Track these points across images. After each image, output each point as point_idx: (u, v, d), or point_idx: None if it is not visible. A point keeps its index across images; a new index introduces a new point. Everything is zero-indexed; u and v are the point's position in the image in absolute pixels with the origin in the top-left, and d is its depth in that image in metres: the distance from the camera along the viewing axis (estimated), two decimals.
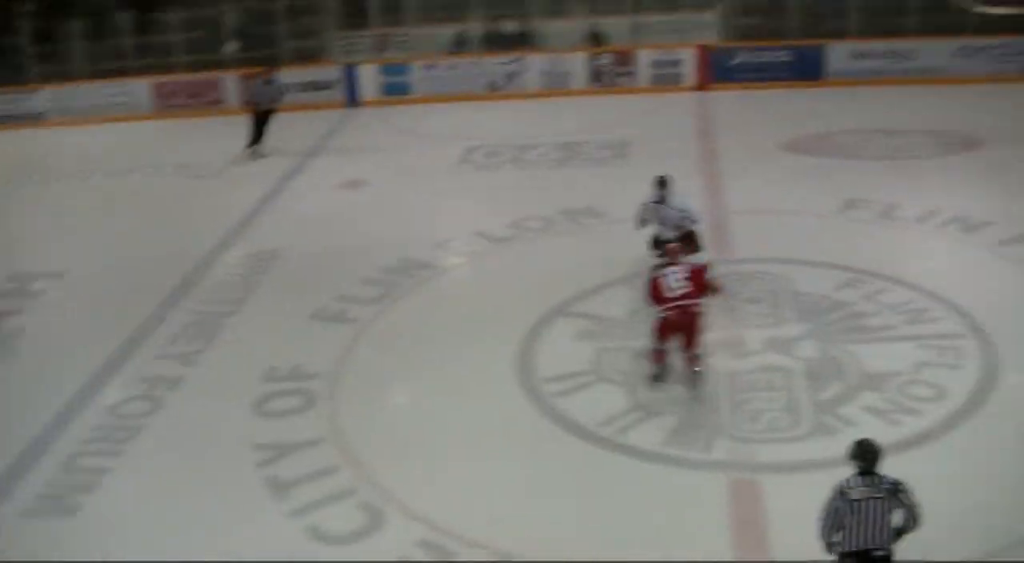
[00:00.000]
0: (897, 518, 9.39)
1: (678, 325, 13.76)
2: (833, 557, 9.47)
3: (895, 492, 9.32)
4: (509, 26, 30.79)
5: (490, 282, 18.17)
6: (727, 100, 27.96)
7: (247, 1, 32.76)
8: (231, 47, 30.59)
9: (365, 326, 16.47)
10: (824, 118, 25.51)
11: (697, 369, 13.89)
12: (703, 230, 16.95)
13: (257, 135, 25.29)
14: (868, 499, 9.26)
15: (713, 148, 23.70)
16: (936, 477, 11.87)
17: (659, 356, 14.08)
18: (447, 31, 31.43)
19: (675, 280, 13.77)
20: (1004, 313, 15.43)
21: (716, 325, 15.32)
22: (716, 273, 14.94)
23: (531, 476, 12.54)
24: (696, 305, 13.80)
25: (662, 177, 16.93)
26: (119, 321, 17.15)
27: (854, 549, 9.33)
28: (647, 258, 16.67)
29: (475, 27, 30.79)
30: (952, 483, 11.80)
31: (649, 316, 14.49)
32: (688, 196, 17.44)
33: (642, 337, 14.74)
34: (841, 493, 9.34)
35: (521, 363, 14.92)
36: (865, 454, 9.46)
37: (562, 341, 15.56)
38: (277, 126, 25.70)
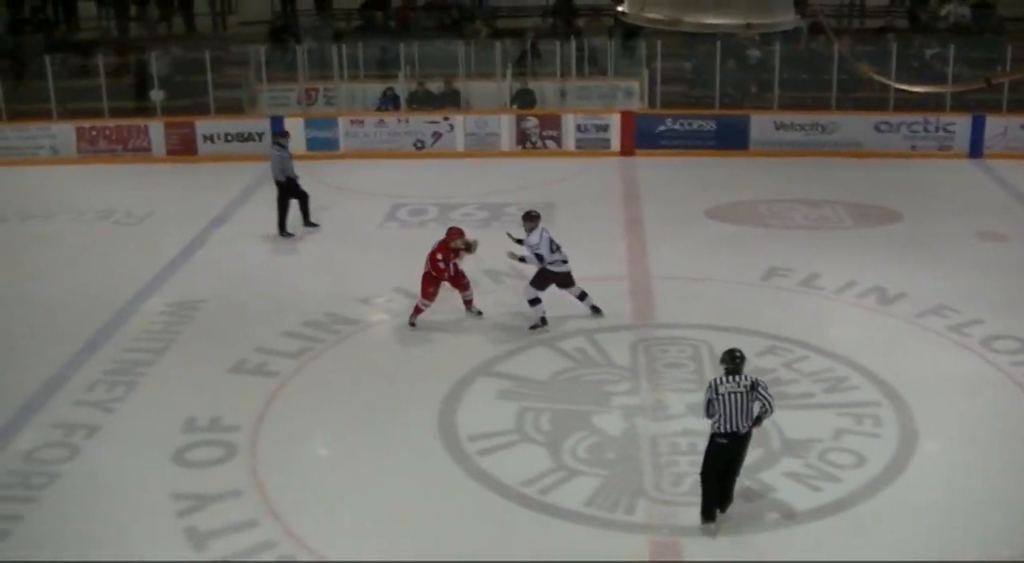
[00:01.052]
0: (756, 407, 12.16)
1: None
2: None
3: (753, 387, 12.18)
4: (436, 86, 30.89)
5: (413, 339, 18.12)
6: (652, 166, 28.17)
7: (174, 49, 32.71)
8: (158, 95, 30.44)
9: (286, 380, 16.38)
10: (747, 187, 25.81)
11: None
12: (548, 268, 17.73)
13: (283, 211, 23.32)
14: (731, 393, 12.14)
15: (638, 213, 23.90)
16: (857, 542, 12.07)
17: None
18: (375, 87, 31.47)
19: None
20: (920, 382, 15.71)
21: (639, 389, 15.49)
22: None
23: (453, 533, 12.53)
24: None
25: (527, 212, 18.23)
26: (36, 366, 16.94)
27: (724, 431, 12.18)
28: (569, 320, 17.50)
29: (402, 86, 30.85)
30: (872, 547, 11.98)
31: (569, 378, 14.67)
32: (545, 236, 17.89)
33: (563, 400, 14.90)
34: (713, 388, 12.24)
35: (443, 421, 14.92)
36: (732, 359, 12.39)
37: (484, 400, 15.59)
38: (206, 175, 25.50)
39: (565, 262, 17.92)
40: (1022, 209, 24.46)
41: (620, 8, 8.64)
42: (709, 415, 12.29)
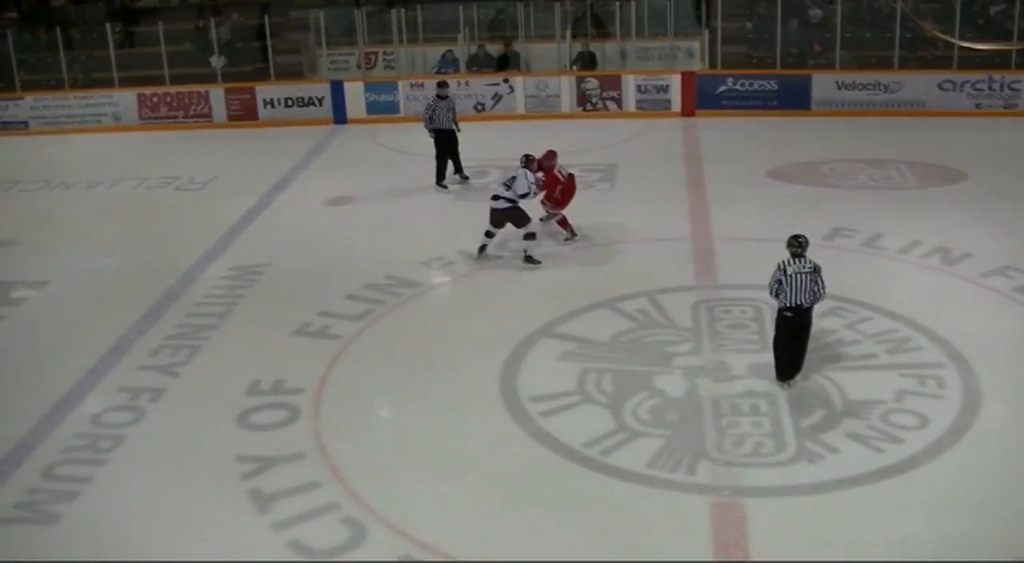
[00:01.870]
0: (817, 288, 14.14)
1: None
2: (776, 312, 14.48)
3: (816, 271, 14.18)
4: (496, 48, 30.85)
5: (475, 301, 18.21)
6: (713, 127, 28.10)
7: (235, 16, 32.83)
8: (218, 61, 30.57)
9: (349, 342, 16.45)
10: (810, 147, 25.65)
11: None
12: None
13: (443, 168, 24.21)
14: (797, 273, 14.09)
15: (699, 174, 23.79)
16: (920, 504, 12.00)
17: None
18: (434, 51, 31.49)
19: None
20: (984, 343, 15.54)
21: (701, 350, 15.47)
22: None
23: (515, 495, 12.55)
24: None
25: (525, 156, 19.79)
26: (101, 332, 17.10)
27: (790, 304, 14.15)
28: (631, 281, 17.52)
29: (462, 49, 30.83)
30: (935, 510, 11.92)
31: (631, 339, 14.70)
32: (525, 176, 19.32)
33: (625, 361, 14.91)
34: (781, 270, 14.17)
35: (505, 382, 14.93)
36: (798, 244, 14.27)
37: (547, 361, 15.57)
38: (266, 140, 25.72)
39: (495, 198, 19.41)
40: None
41: None
42: (775, 294, 14.26)
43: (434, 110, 24.02)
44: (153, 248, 20.88)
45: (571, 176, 20.31)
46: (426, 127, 24.12)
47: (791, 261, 14.17)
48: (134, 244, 21.18)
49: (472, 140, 24.48)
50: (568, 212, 20.10)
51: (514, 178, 19.31)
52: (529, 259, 19.16)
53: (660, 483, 12.58)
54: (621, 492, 12.49)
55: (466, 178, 24.32)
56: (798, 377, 14.53)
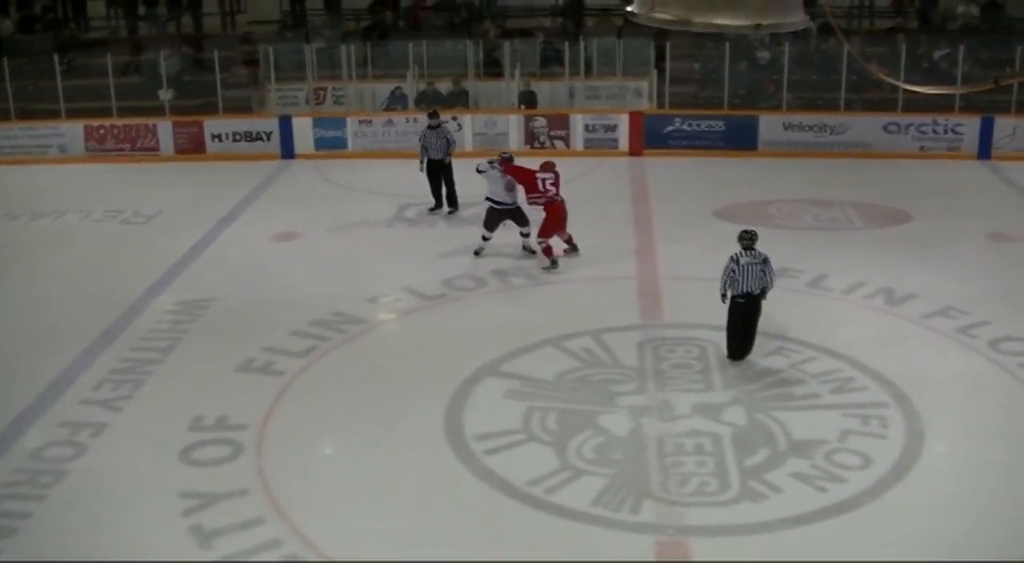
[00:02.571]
0: (766, 277, 16.03)
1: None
2: (726, 304, 16.22)
3: (765, 262, 16.05)
4: (445, 85, 30.91)
5: (420, 339, 18.15)
6: (661, 166, 28.23)
7: (183, 49, 32.76)
8: (166, 94, 30.47)
9: (293, 378, 16.37)
10: (756, 187, 25.82)
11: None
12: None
13: (436, 194, 24.67)
14: (749, 264, 15.94)
15: (646, 213, 23.89)
16: (863, 544, 12.05)
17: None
18: (383, 87, 31.52)
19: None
20: (927, 384, 15.67)
21: (646, 389, 15.51)
22: None
23: (459, 533, 12.52)
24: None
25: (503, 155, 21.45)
26: (44, 365, 16.92)
27: (742, 292, 16.00)
28: (577, 320, 17.80)
29: (411, 86, 30.86)
30: (878, 549, 11.99)
31: (576, 378, 14.78)
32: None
33: (570, 399, 14.99)
34: (735, 261, 15.98)
35: (450, 420, 14.90)
36: (749, 237, 16.08)
37: (491, 400, 15.54)
38: (214, 174, 25.68)
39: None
40: None
41: (629, 8, 8.63)
42: (727, 286, 16.07)
43: (426, 140, 24.27)
44: (98, 281, 20.70)
45: (561, 201, 20.65)
46: (421, 159, 24.34)
47: (743, 253, 15.99)
48: (79, 277, 21.00)
49: (420, 178, 24.48)
50: (520, 246, 20.27)
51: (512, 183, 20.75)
52: (528, 249, 21.12)
53: (604, 522, 12.57)
54: (565, 531, 12.47)
55: (456, 209, 24.47)
56: (742, 417, 14.61)
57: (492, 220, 21.15)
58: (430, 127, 24.47)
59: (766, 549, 12.07)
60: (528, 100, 30.68)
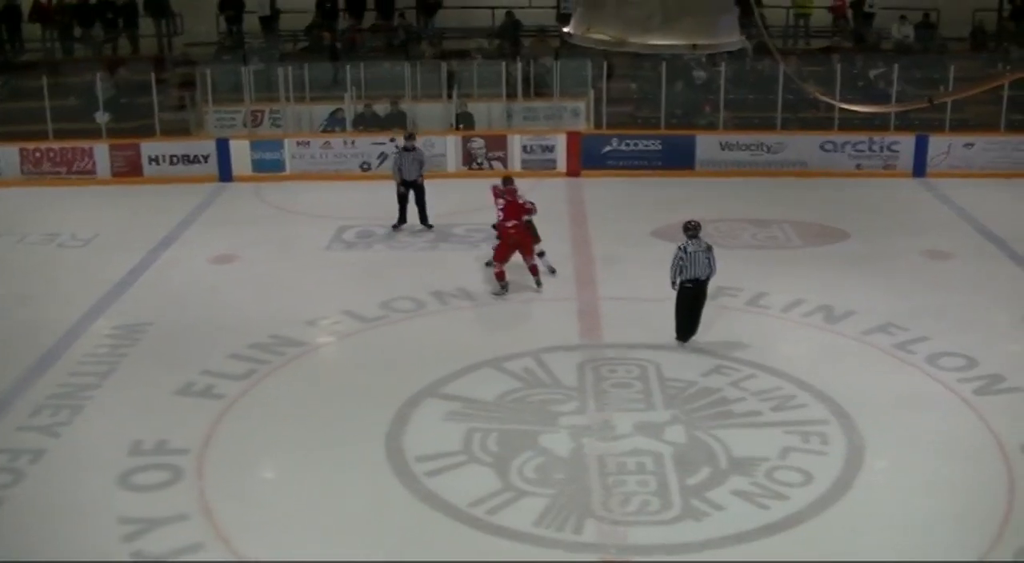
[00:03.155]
0: (710, 264, 17.41)
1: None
2: (675, 291, 17.56)
3: (709, 249, 17.52)
4: (382, 107, 30.86)
5: (360, 361, 18.11)
6: (599, 186, 28.30)
7: (120, 71, 32.53)
8: (103, 117, 30.24)
9: (233, 402, 16.26)
10: (694, 207, 25.72)
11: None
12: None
13: (403, 212, 24.78)
14: (696, 252, 17.34)
15: (585, 234, 23.93)
16: (805, 560, 12.09)
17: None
18: (321, 109, 31.43)
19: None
20: (867, 400, 15.80)
21: (587, 409, 15.53)
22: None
23: (401, 555, 12.48)
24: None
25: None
26: None
27: (689, 278, 17.36)
28: (517, 340, 17.74)
29: (348, 108, 30.80)
30: None
31: (516, 398, 14.84)
32: None
33: (510, 420, 14.99)
34: (683, 250, 17.36)
35: (391, 442, 14.85)
36: (694, 227, 17.50)
37: (432, 421, 15.51)
38: (151, 197, 25.52)
39: None
40: (966, 227, 24.68)
41: (566, 29, 8.64)
42: (677, 273, 17.40)
43: (401, 162, 24.39)
44: (34, 305, 20.45)
45: (512, 226, 20.35)
46: (395, 179, 24.40)
47: (689, 242, 17.39)
48: (14, 301, 20.73)
49: (358, 200, 24.45)
50: (459, 268, 20.21)
51: None
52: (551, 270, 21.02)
53: (547, 542, 12.57)
54: (508, 551, 12.45)
55: (430, 226, 24.57)
56: (683, 435, 14.66)
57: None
58: (405, 149, 24.67)
59: None
60: (465, 121, 30.67)
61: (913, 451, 14.61)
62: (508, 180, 20.86)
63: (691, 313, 17.69)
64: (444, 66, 31.30)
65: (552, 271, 21.01)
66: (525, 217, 20.26)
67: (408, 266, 22.16)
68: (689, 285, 17.44)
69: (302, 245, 23.82)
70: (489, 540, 12.67)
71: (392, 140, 29.25)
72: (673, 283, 17.56)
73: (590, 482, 13.78)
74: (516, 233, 20.19)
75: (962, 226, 24.78)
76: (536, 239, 20.75)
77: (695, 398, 15.93)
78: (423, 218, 24.61)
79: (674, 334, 17.86)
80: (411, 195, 24.53)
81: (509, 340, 18.26)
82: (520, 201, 20.30)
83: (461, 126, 30.48)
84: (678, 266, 17.43)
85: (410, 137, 25.16)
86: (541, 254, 20.87)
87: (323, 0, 36.23)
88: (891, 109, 27.34)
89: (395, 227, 24.55)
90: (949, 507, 13.34)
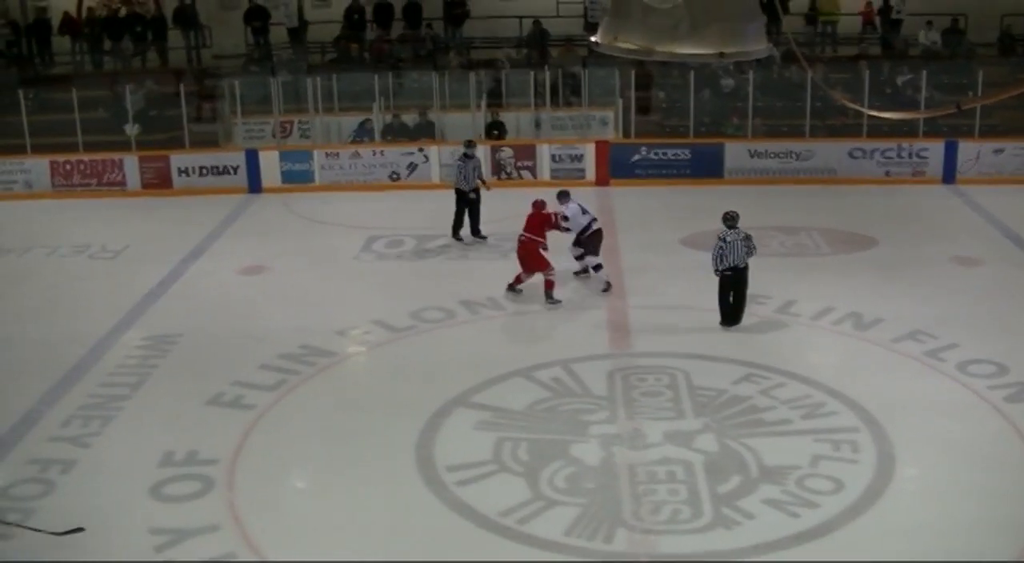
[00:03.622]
0: (749, 250, 18.77)
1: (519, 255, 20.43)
2: (718, 277, 18.79)
3: (748, 238, 18.81)
4: (411, 117, 30.92)
5: (390, 371, 18.13)
6: (627, 195, 28.29)
7: (149, 83, 32.69)
8: (132, 129, 30.39)
9: (263, 412, 16.31)
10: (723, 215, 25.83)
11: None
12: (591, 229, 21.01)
13: (458, 224, 24.77)
14: (735, 240, 18.63)
15: (614, 242, 23.88)
16: None
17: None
18: (349, 120, 31.52)
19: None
20: (897, 407, 15.75)
21: (617, 418, 15.52)
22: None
23: None
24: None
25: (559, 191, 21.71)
26: (11, 402, 16.80)
27: (729, 265, 18.65)
28: (546, 350, 17.86)
29: (377, 118, 30.87)
30: None
31: (546, 408, 14.90)
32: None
33: (541, 430, 15.03)
34: (722, 239, 18.70)
35: (421, 452, 14.87)
36: (732, 217, 18.82)
37: (462, 431, 15.53)
38: (181, 209, 25.61)
39: (596, 220, 21.18)
40: (995, 233, 24.57)
41: (593, 38, 8.65)
42: (717, 262, 18.73)
43: (461, 170, 24.44)
44: (65, 317, 20.59)
45: (525, 239, 20.56)
46: (455, 188, 24.54)
47: (728, 231, 18.69)
48: (45, 313, 20.88)
49: (387, 209, 24.47)
50: (488, 278, 20.23)
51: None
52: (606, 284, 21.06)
53: (578, 551, 12.57)
54: (539, 561, 12.44)
55: (484, 237, 24.58)
56: (713, 444, 14.65)
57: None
58: (466, 156, 24.73)
59: None
60: (498, 130, 30.70)
61: (944, 458, 14.58)
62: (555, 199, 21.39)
63: (734, 299, 18.89)
64: (472, 76, 31.31)
65: (607, 286, 20.99)
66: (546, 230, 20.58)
67: (438, 276, 22.20)
68: (728, 273, 18.66)
69: (332, 255, 23.87)
70: (520, 549, 12.67)
71: (421, 150, 29.35)
72: (716, 271, 18.77)
73: (620, 491, 13.77)
74: (519, 246, 20.52)
75: (991, 232, 24.67)
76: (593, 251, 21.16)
77: (725, 406, 15.89)
78: (475, 228, 24.65)
79: (719, 319, 18.97)
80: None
81: (539, 349, 18.28)
82: (544, 213, 20.65)
83: (496, 133, 30.52)
84: (718, 255, 18.68)
85: (470, 144, 25.22)
86: (598, 267, 20.92)
87: (351, 11, 36.31)
88: (919, 115, 27.29)
89: (455, 236, 24.58)
90: (980, 514, 13.28)
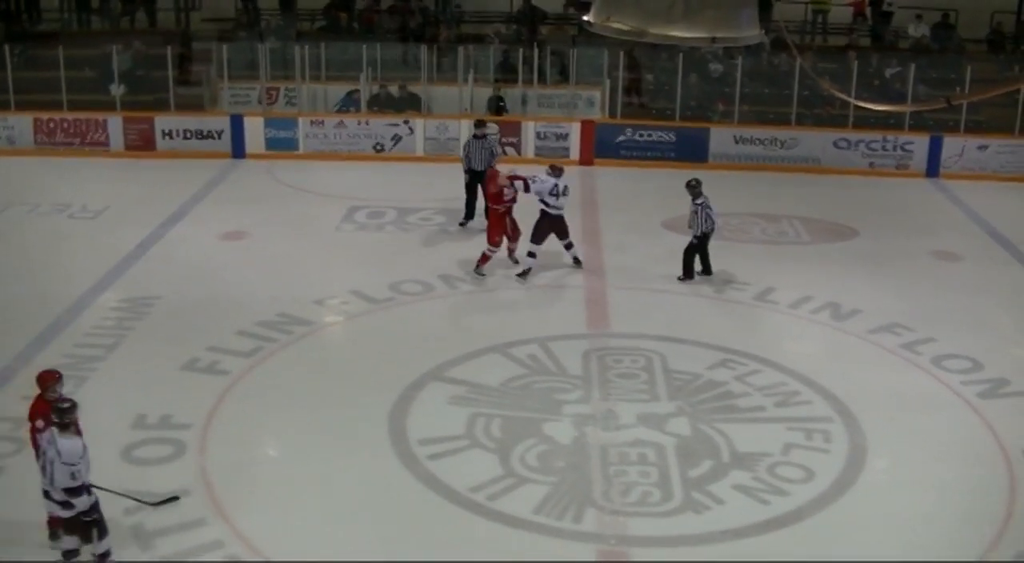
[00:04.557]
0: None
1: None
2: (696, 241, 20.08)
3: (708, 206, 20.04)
4: (397, 89, 30.83)
5: (366, 342, 18.12)
6: (611, 176, 28.28)
7: (136, 44, 32.51)
8: (118, 89, 30.24)
9: (238, 379, 16.28)
10: None
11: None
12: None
13: (471, 205, 23.71)
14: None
15: (595, 223, 23.90)
16: (804, 557, 12.12)
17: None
18: (336, 89, 31.44)
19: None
20: (871, 399, 15.80)
21: (591, 398, 15.53)
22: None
23: (401, 538, 12.48)
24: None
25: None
26: None
27: (702, 232, 19.96)
28: (523, 327, 17.79)
29: (364, 88, 30.77)
30: None
31: (521, 385, 14.88)
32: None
33: (514, 406, 15.04)
34: (708, 204, 19.94)
35: (394, 424, 14.87)
36: (695, 184, 20.13)
37: (436, 405, 15.52)
38: (163, 172, 25.58)
39: (560, 210, 20.63)
40: (977, 229, 24.64)
41: (585, 17, 8.64)
42: (698, 227, 20.00)
43: (470, 150, 23.75)
44: (42, 276, 20.49)
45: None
46: (464, 168, 23.82)
47: (695, 199, 19.95)
48: (23, 271, 20.76)
49: (370, 180, 24.40)
50: (468, 252, 20.20)
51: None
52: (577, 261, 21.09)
53: (546, 530, 12.58)
54: (507, 538, 12.47)
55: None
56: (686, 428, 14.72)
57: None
58: (475, 136, 23.87)
59: (708, 561, 12.12)
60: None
61: (915, 451, 14.63)
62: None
63: (703, 257, 20.36)
64: (461, 50, 31.22)
65: (577, 262, 21.00)
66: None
67: (418, 249, 22.17)
68: (695, 241, 20.16)
69: (313, 224, 23.80)
70: (489, 525, 12.69)
71: (406, 122, 29.28)
72: (706, 235, 20.15)
73: (591, 471, 13.80)
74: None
75: (972, 228, 24.74)
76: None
77: (700, 391, 15.93)
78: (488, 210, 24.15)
79: (679, 274, 20.22)
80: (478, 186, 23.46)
81: (516, 326, 18.25)
82: (495, 182, 21.06)
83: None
84: (707, 216, 20.02)
85: (480, 124, 24.23)
86: (569, 246, 20.90)
87: None
88: (908, 108, 27.32)
89: (463, 224, 23.72)
90: (949, 507, 13.38)
